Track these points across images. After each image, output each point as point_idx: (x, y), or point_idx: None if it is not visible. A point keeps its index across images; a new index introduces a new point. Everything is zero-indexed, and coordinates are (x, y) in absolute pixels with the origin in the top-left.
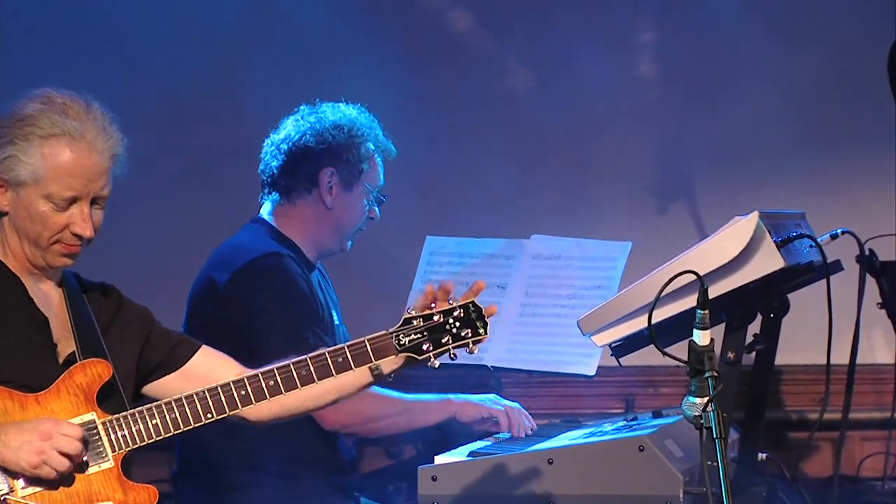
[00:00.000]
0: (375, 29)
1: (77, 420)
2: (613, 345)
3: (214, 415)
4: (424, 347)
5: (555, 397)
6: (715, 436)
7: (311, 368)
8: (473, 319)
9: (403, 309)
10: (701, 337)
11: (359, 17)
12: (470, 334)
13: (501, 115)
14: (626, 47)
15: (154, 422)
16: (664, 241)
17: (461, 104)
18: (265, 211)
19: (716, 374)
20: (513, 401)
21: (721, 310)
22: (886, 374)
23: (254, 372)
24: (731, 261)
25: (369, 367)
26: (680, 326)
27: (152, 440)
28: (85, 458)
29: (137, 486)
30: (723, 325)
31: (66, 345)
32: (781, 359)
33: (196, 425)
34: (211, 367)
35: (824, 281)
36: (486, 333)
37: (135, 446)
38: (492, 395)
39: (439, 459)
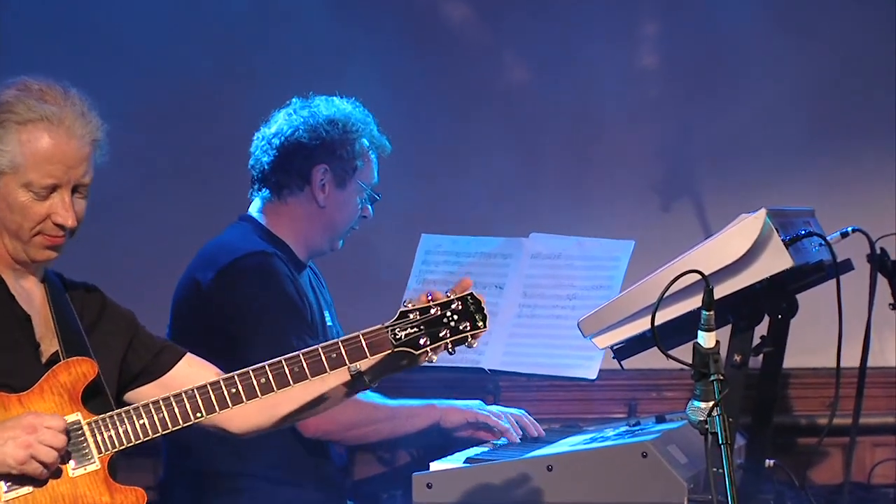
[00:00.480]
0: (370, 20)
1: None
2: (615, 347)
3: (204, 414)
4: (421, 342)
5: (555, 402)
6: (721, 442)
7: (304, 365)
8: (472, 312)
9: (399, 306)
10: (706, 339)
11: (353, 9)
12: (469, 327)
13: (500, 109)
14: (629, 40)
15: (141, 422)
16: (668, 240)
17: (458, 97)
18: (254, 208)
19: (721, 378)
20: (516, 407)
21: (727, 311)
22: None
23: (244, 370)
24: (738, 260)
25: (348, 371)
26: (684, 328)
27: (140, 441)
28: (70, 455)
29: (125, 489)
30: (729, 327)
31: (49, 344)
32: (789, 362)
33: (185, 425)
34: (195, 377)
35: (834, 281)
36: (485, 326)
37: (122, 447)
38: (476, 402)
39: (435, 466)
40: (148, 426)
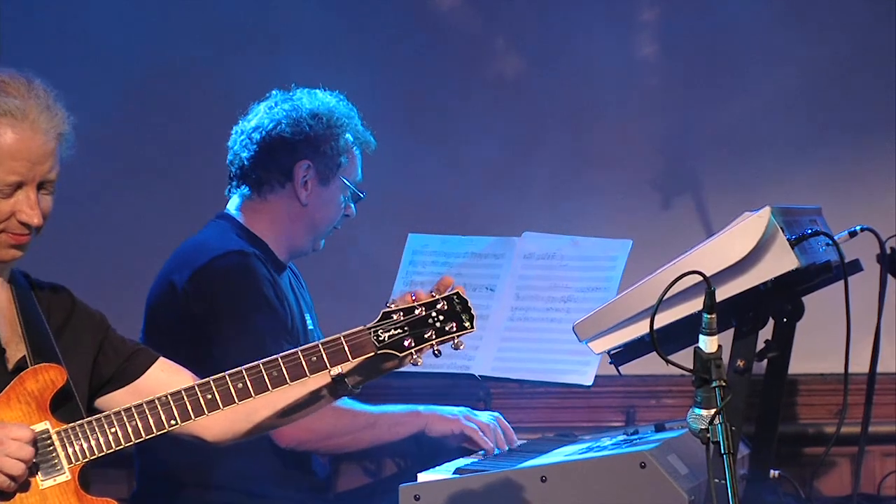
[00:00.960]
0: (354, 11)
1: None
2: (612, 352)
3: (178, 421)
4: (406, 343)
5: (548, 409)
6: (723, 451)
7: (284, 369)
8: (458, 312)
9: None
10: (708, 343)
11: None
12: (455, 328)
13: (491, 101)
14: (627, 27)
15: (113, 430)
16: (668, 239)
17: (447, 89)
18: (232, 206)
19: (724, 384)
20: (496, 411)
21: (730, 314)
22: None
23: (220, 375)
24: (741, 260)
25: (329, 375)
26: (685, 332)
27: (112, 451)
28: (38, 466)
29: (96, 501)
30: (731, 331)
31: (15, 349)
32: (795, 367)
33: (159, 433)
34: (167, 382)
35: (842, 282)
36: (472, 327)
37: (93, 457)
38: (464, 409)
39: (422, 477)
40: (120, 435)
